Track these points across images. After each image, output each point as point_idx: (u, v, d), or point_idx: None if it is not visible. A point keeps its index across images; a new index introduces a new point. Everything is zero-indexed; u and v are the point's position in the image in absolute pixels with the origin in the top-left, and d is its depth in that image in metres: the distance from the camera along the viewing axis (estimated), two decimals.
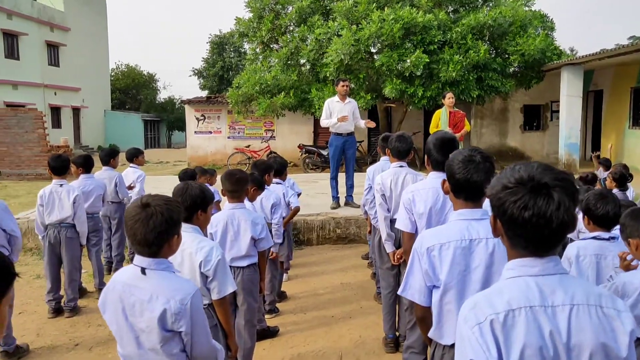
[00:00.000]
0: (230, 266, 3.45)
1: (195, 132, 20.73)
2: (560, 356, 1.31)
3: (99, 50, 35.53)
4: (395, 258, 4.09)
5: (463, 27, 14.07)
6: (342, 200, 8.58)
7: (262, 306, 4.65)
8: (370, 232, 5.52)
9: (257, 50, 17.34)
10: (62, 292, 5.31)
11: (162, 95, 47.04)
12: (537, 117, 19.08)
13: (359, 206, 7.85)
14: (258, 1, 16.03)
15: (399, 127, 16.91)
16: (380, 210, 4.12)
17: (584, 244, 2.82)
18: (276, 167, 5.67)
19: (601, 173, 7.23)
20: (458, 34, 14.05)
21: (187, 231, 2.73)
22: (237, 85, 16.40)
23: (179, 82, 79.54)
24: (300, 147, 17.64)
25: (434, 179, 3.08)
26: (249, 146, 19.30)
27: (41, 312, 5.27)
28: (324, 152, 16.60)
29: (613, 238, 2.82)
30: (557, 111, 16.36)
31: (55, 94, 30.13)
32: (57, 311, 5.20)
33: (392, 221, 4.07)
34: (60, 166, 5.19)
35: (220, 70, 38.90)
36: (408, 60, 13.45)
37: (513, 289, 1.38)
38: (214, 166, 15.21)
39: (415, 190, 3.13)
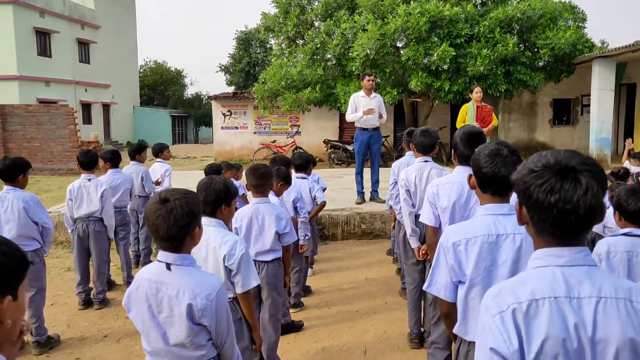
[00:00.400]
0: (254, 260, 3.48)
1: (221, 127, 20.91)
2: (584, 350, 1.27)
3: (127, 47, 36.09)
4: (420, 253, 4.06)
5: (491, 21, 13.85)
6: (367, 196, 8.55)
7: (287, 300, 4.67)
8: (394, 227, 5.48)
9: (283, 45, 17.38)
10: (91, 285, 5.43)
11: (190, 92, 47.55)
12: (567, 112, 18.69)
13: (384, 201, 7.82)
14: None
15: (425, 122, 16.77)
16: (404, 206, 4.09)
17: (615, 241, 2.75)
18: (300, 162, 5.69)
19: (633, 168, 7.04)
20: (486, 28, 13.84)
21: (211, 225, 2.76)
22: (263, 80, 16.47)
23: (206, 78, 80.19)
24: (326, 142, 17.64)
25: (460, 174, 3.04)
26: (274, 141, 19.38)
27: (71, 303, 5.39)
28: (350, 147, 16.56)
29: None
30: (588, 105, 16.00)
31: (85, 90, 30.75)
32: (87, 303, 5.32)
33: (417, 216, 4.04)
34: (88, 161, 5.30)
35: (247, 65, 39.12)
36: (434, 54, 13.31)
37: (538, 278, 1.34)
38: (240, 161, 15.34)
39: (439, 184, 3.10)
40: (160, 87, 44.34)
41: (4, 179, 4.26)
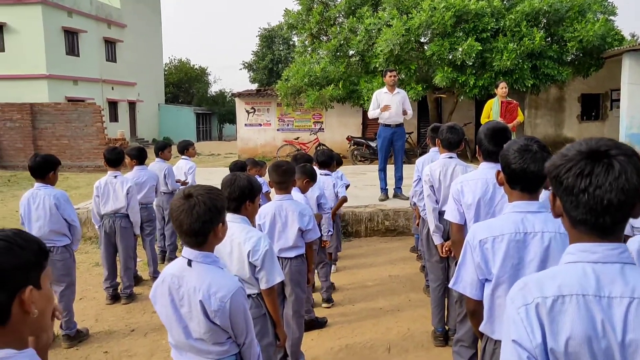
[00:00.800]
0: (278, 257, 3.49)
1: (245, 124, 21.04)
2: (613, 352, 1.22)
3: (153, 45, 36.56)
4: (444, 250, 4.03)
5: (517, 14, 13.63)
6: (390, 192, 8.51)
7: (311, 297, 4.68)
8: (418, 224, 5.45)
9: (306, 42, 17.40)
10: (118, 280, 5.52)
11: (214, 89, 48.02)
12: (596, 107, 18.31)
13: (407, 198, 7.77)
14: None
15: (449, 118, 16.62)
16: (428, 202, 4.06)
17: None
18: (323, 159, 5.69)
19: None
20: (512, 21, 13.63)
21: (236, 221, 2.78)
22: (286, 77, 16.52)
23: (229, 76, 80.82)
24: (349, 139, 17.61)
25: (485, 170, 3.01)
26: (297, 138, 19.43)
27: (100, 298, 5.50)
28: (373, 144, 16.49)
29: None
30: (618, 100, 15.62)
31: (112, 88, 31.26)
32: (114, 298, 5.41)
33: (441, 213, 4.02)
34: (114, 158, 5.38)
35: (270, 63, 39.28)
36: (460, 49, 13.17)
37: (567, 274, 1.30)
38: (263, 158, 15.40)
39: (464, 181, 3.06)
40: (185, 84, 44.82)
41: (35, 176, 4.36)
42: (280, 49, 39.87)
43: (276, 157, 18.04)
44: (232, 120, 39.47)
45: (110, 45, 31.61)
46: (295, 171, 3.96)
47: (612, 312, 1.24)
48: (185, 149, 7.05)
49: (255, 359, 2.26)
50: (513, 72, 13.60)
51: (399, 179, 8.42)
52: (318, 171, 5.36)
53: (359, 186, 9.66)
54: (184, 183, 6.79)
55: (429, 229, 4.19)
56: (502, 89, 8.45)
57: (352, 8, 15.73)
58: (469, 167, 4.01)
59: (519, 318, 1.29)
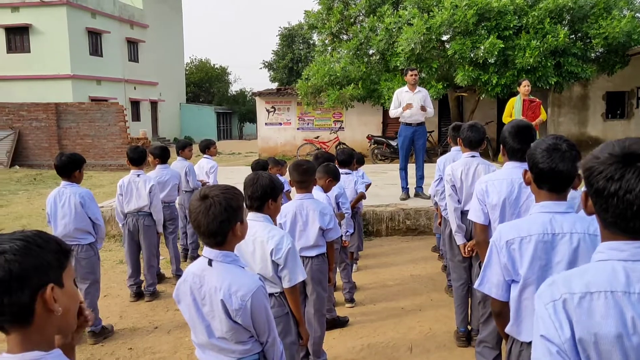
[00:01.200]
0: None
1: (265, 123, 21.12)
2: None
3: (174, 45, 36.92)
4: (466, 250, 3.99)
5: (540, 11, 13.43)
6: (411, 192, 8.47)
7: (332, 296, 4.68)
8: (440, 223, 5.42)
9: (326, 41, 17.39)
10: (142, 277, 5.59)
11: (234, 88, 48.35)
12: (621, 105, 17.96)
13: (429, 197, 7.72)
14: None
15: (471, 117, 16.47)
16: (450, 202, 4.03)
17: None
18: (344, 158, 5.69)
19: None
20: (535, 18, 13.43)
21: (259, 220, 2.79)
22: (306, 76, 16.54)
23: (249, 75, 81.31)
24: (369, 137, 17.56)
25: (509, 170, 2.98)
26: (318, 137, 19.45)
27: (124, 295, 5.57)
28: (393, 143, 16.44)
29: None
30: None
31: (134, 88, 31.66)
32: (138, 295, 5.48)
33: (463, 213, 3.99)
34: (137, 157, 5.44)
35: (290, 62, 39.39)
36: (482, 47, 13.03)
37: (596, 271, 1.29)
38: (283, 157, 15.45)
39: (488, 181, 3.03)
40: (206, 84, 45.19)
41: (60, 174, 4.43)
42: (300, 48, 39.96)
43: (296, 156, 18.08)
44: (252, 119, 39.75)
45: (132, 45, 32.01)
46: (315, 170, 3.96)
47: None
48: (207, 148, 7.10)
49: (279, 357, 2.26)
50: (536, 70, 13.42)
51: (420, 178, 8.37)
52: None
53: (380, 185, 9.63)
54: (204, 183, 6.85)
55: (451, 229, 4.16)
56: (524, 87, 8.35)
57: (373, 7, 15.67)
58: (492, 166, 3.98)
59: (546, 314, 1.29)
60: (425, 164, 8.46)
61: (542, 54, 13.13)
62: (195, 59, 46.59)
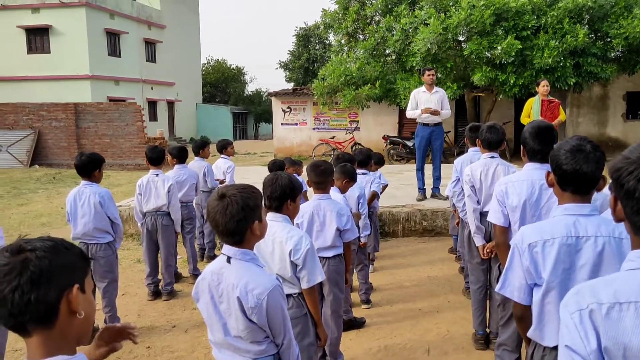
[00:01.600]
0: None
1: (281, 123, 21.16)
2: None
3: (191, 46, 37.16)
4: (485, 252, 3.96)
5: (559, 11, 13.28)
6: (428, 192, 8.43)
7: (349, 297, 4.67)
8: (458, 224, 5.38)
9: (343, 41, 17.37)
10: (160, 276, 5.63)
11: (250, 88, 48.50)
12: None
13: (445, 198, 7.67)
14: None
15: (487, 117, 16.34)
16: (469, 202, 4.00)
17: None
18: (361, 158, 5.68)
19: None
20: (554, 18, 13.29)
21: (278, 220, 2.79)
22: (322, 77, 16.53)
23: (265, 75, 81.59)
24: (385, 138, 17.51)
25: (530, 171, 2.95)
26: (333, 137, 19.43)
27: (142, 294, 5.62)
28: (409, 143, 16.38)
29: None
30: None
31: (152, 88, 31.93)
32: (156, 294, 5.52)
33: (482, 214, 3.96)
34: (156, 157, 5.49)
35: (306, 62, 39.42)
36: (499, 47, 12.92)
37: (626, 281, 1.24)
38: (299, 157, 15.47)
39: (508, 182, 3.00)
40: (222, 84, 45.42)
41: (80, 174, 4.47)
42: (316, 48, 39.97)
43: (312, 156, 18.09)
44: (268, 119, 39.88)
45: (150, 46, 32.29)
46: (333, 171, 3.96)
47: None
48: (224, 148, 7.13)
49: (296, 358, 2.25)
50: (554, 70, 13.27)
51: (437, 178, 8.33)
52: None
53: (396, 186, 9.59)
54: (222, 182, 6.88)
55: (469, 230, 4.12)
56: (543, 87, 8.25)
57: (389, 6, 15.63)
58: (511, 167, 3.94)
59: (572, 323, 1.25)
60: (441, 165, 8.41)
61: (561, 54, 12.99)
62: (211, 59, 46.89)
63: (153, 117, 31.74)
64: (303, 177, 5.41)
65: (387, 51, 15.61)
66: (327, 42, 36.72)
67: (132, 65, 30.04)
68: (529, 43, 13.28)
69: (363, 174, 5.52)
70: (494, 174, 3.89)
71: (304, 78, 37.99)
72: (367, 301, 5.12)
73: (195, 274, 6.04)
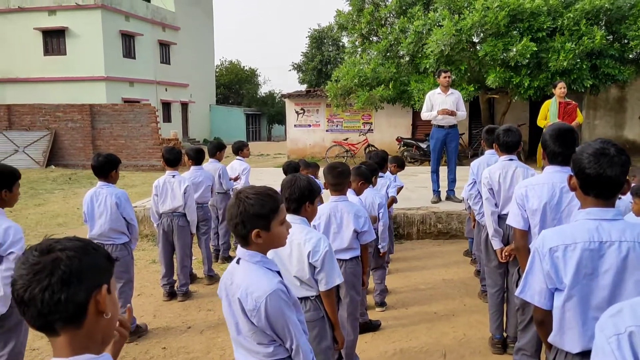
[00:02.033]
0: None
1: (294, 125, 21.18)
2: None
3: (205, 47, 37.36)
4: (503, 255, 3.92)
5: (576, 13, 13.13)
6: (443, 195, 8.38)
7: (365, 299, 4.65)
8: (474, 226, 5.34)
9: (356, 43, 17.34)
10: (175, 277, 5.65)
11: (263, 90, 48.60)
12: None
13: (460, 201, 7.63)
14: None
15: (502, 119, 16.22)
16: (487, 205, 3.97)
17: None
18: (377, 160, 5.65)
19: None
20: (570, 20, 13.14)
21: (295, 222, 2.78)
22: (336, 78, 16.51)
23: (278, 77, 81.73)
24: (399, 140, 17.45)
25: (550, 174, 2.92)
26: (347, 139, 19.41)
27: (157, 295, 5.64)
28: (423, 145, 16.31)
29: None
30: None
31: (166, 90, 32.15)
32: (171, 295, 5.54)
33: (500, 217, 3.92)
34: (173, 158, 5.51)
35: (319, 64, 39.44)
36: (514, 49, 12.81)
37: None
38: (312, 159, 15.46)
39: (528, 185, 2.97)
40: (235, 86, 45.60)
41: (97, 174, 4.50)
42: (330, 49, 39.98)
43: (325, 157, 18.08)
44: (281, 120, 39.90)
45: (164, 47, 32.52)
46: (350, 173, 3.94)
47: None
48: (240, 149, 7.16)
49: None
50: (571, 72, 13.12)
51: (452, 181, 8.28)
52: None
53: (410, 188, 9.54)
54: (236, 179, 6.91)
55: (487, 233, 4.09)
56: (560, 89, 8.17)
57: (403, 8, 15.58)
58: (530, 170, 3.91)
59: (609, 349, 1.17)
60: (456, 167, 8.35)
61: (578, 56, 12.84)
62: (225, 60, 47.22)
63: (167, 118, 31.95)
64: (318, 179, 5.41)
65: (401, 53, 15.54)
66: (341, 43, 36.73)
67: (146, 67, 30.26)
68: (544, 45, 13.15)
69: (379, 176, 5.50)
70: (512, 176, 3.86)
71: (317, 80, 38.01)
72: (381, 304, 5.10)
73: (210, 275, 6.06)
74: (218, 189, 6.66)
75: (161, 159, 5.64)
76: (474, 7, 13.18)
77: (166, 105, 32.18)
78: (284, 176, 5.58)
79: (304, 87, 34.43)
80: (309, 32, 41.09)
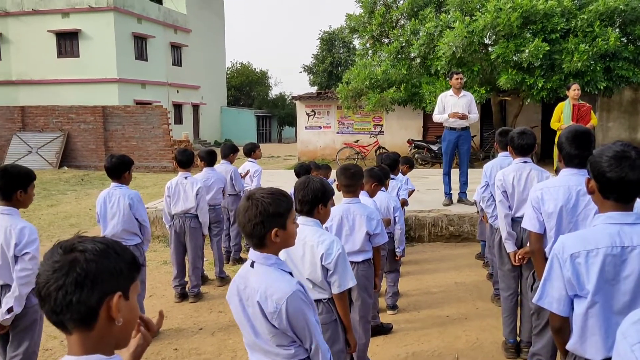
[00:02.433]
0: None
1: (305, 127, 21.18)
2: None
3: (216, 49, 37.52)
4: (517, 258, 3.88)
5: (590, 14, 13.01)
6: (454, 197, 8.33)
7: (377, 302, 4.63)
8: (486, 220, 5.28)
9: (367, 45, 17.31)
10: (186, 279, 5.65)
11: (274, 92, 48.73)
12: None
13: (472, 203, 7.58)
14: None
15: (514, 121, 16.11)
16: (500, 208, 3.93)
17: None
18: (388, 162, 5.63)
19: None
20: (584, 21, 13.02)
21: (308, 224, 2.77)
22: (346, 80, 16.48)
23: (289, 79, 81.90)
24: (410, 142, 17.39)
25: (566, 176, 2.88)
26: (357, 141, 19.38)
27: (169, 296, 5.66)
28: (434, 147, 16.24)
29: None
30: None
31: (177, 91, 32.32)
32: (182, 296, 5.55)
33: (514, 220, 3.89)
34: (186, 160, 5.52)
35: (330, 66, 39.44)
36: (526, 51, 12.72)
37: None
38: (323, 161, 15.44)
39: (544, 188, 2.94)
40: (246, 88, 45.75)
41: (110, 175, 4.53)
42: (340, 52, 39.98)
43: (335, 159, 18.06)
44: (291, 122, 39.99)
45: (176, 49, 32.69)
46: (363, 174, 3.92)
47: None
48: (252, 151, 7.17)
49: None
50: (584, 74, 13.01)
51: (463, 183, 8.22)
52: None
53: (422, 190, 9.51)
54: (246, 174, 6.93)
55: (500, 236, 4.05)
56: (574, 91, 8.10)
57: (415, 10, 15.53)
58: (545, 173, 3.87)
59: (633, 357, 1.16)
60: (468, 169, 8.30)
61: (591, 57, 12.72)
62: (236, 62, 47.31)
63: (178, 120, 32.12)
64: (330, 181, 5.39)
65: (412, 54, 15.49)
66: (351, 45, 36.71)
67: (158, 69, 30.44)
68: (557, 46, 13.05)
69: (391, 178, 5.47)
70: (527, 179, 3.82)
71: (328, 82, 38.01)
72: (393, 307, 5.07)
73: (222, 276, 6.06)
74: (230, 191, 6.67)
75: (172, 160, 5.68)
76: (486, 9, 13.11)
77: (177, 107, 32.33)
78: (294, 178, 5.59)
79: (314, 89, 34.47)
80: (319, 34, 41.14)
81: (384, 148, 17.89)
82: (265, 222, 2.08)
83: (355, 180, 3.75)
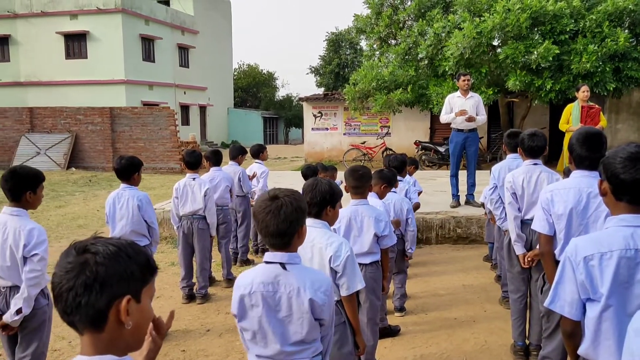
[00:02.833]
0: None
1: (312, 128, 21.18)
2: None
3: (223, 51, 37.62)
4: (526, 260, 3.85)
5: (599, 15, 12.93)
6: (462, 199, 8.29)
7: (385, 304, 4.61)
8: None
9: (375, 46, 17.28)
10: (194, 280, 5.65)
11: (281, 93, 48.77)
12: None
13: (480, 205, 7.54)
14: None
15: (522, 123, 16.04)
16: (510, 210, 3.90)
17: None
18: (396, 164, 5.61)
19: None
20: (593, 22, 12.94)
21: (317, 226, 2.76)
22: (354, 81, 16.46)
23: (296, 80, 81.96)
24: (417, 143, 17.34)
25: (577, 178, 2.86)
26: (364, 142, 19.36)
27: (176, 297, 5.66)
28: (441, 149, 16.19)
29: None
30: None
31: (184, 93, 32.43)
32: (190, 297, 5.55)
33: (523, 222, 3.86)
34: (194, 161, 5.53)
35: (336, 67, 39.42)
36: (535, 52, 12.65)
37: None
38: (330, 162, 15.44)
39: (554, 190, 2.92)
40: (253, 89, 45.84)
41: (120, 177, 4.54)
42: (347, 53, 39.95)
43: (342, 161, 18.04)
44: (298, 124, 40.01)
45: (183, 51, 32.81)
46: (371, 176, 3.91)
47: None
48: (260, 152, 7.17)
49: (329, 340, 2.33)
50: (593, 75, 12.92)
51: (471, 185, 8.19)
52: None
53: (429, 192, 9.48)
54: (253, 176, 6.93)
55: (509, 238, 4.03)
56: (583, 92, 8.05)
57: (422, 11, 15.49)
58: (555, 175, 3.84)
59: None
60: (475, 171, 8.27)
61: (600, 58, 12.64)
62: (243, 64, 47.44)
63: (185, 121, 32.22)
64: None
65: (420, 56, 15.44)
66: (358, 47, 36.69)
67: (165, 70, 30.56)
68: (566, 47, 12.97)
69: (399, 180, 5.46)
70: (537, 181, 3.79)
71: (335, 83, 37.99)
72: (401, 309, 5.05)
73: (229, 278, 6.06)
74: (237, 192, 6.67)
75: (180, 161, 5.69)
76: (495, 10, 13.05)
77: (185, 109, 32.44)
78: (301, 179, 5.59)
79: (321, 91, 34.47)
80: (326, 35, 41.08)
81: (390, 150, 17.84)
82: (300, 219, 2.15)
83: (363, 181, 3.74)
